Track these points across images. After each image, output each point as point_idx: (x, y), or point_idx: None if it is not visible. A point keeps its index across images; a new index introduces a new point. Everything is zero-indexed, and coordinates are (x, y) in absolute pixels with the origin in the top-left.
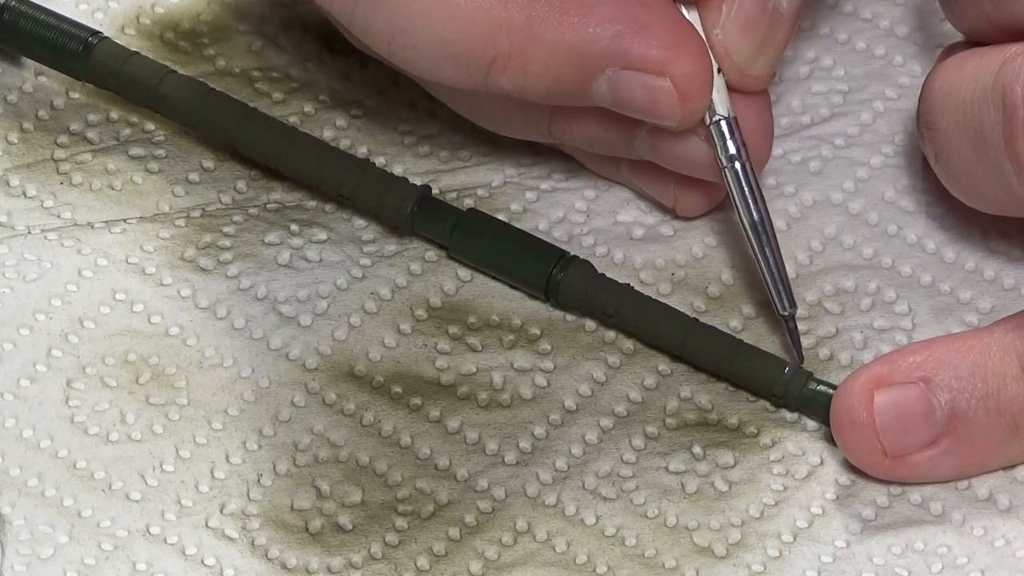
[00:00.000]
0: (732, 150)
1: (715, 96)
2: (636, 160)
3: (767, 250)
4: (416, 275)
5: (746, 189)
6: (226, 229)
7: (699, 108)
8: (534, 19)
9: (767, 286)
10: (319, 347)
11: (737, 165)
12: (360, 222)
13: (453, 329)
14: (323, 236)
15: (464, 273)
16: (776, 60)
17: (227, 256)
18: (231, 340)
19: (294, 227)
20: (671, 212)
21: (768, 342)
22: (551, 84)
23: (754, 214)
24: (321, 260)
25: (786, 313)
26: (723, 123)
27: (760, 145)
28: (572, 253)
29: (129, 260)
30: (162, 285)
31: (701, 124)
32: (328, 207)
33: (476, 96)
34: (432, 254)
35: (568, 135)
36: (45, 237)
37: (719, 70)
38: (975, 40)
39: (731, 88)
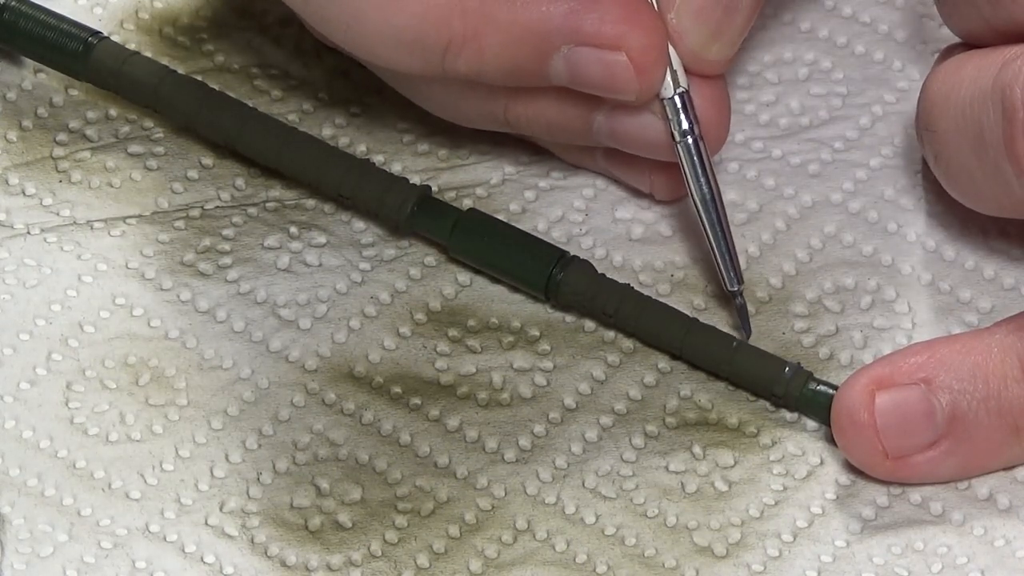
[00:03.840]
0: (685, 125)
1: (669, 72)
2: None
3: (717, 227)
4: (415, 279)
5: (697, 164)
6: (225, 232)
7: (656, 80)
8: (487, 0)
9: (716, 262)
10: (319, 349)
11: (689, 140)
12: (359, 224)
13: (452, 332)
14: (322, 240)
15: (463, 277)
16: (734, 46)
17: (226, 260)
18: (231, 343)
19: (293, 230)
20: (655, 199)
21: (768, 341)
22: (508, 65)
23: (704, 190)
24: (320, 264)
25: (735, 289)
26: (677, 98)
27: (716, 125)
28: (572, 253)
29: (129, 265)
30: (162, 290)
31: (656, 100)
32: (327, 207)
33: (433, 84)
34: (432, 259)
35: (525, 121)
36: (45, 240)
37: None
38: (973, 43)
39: (687, 71)
